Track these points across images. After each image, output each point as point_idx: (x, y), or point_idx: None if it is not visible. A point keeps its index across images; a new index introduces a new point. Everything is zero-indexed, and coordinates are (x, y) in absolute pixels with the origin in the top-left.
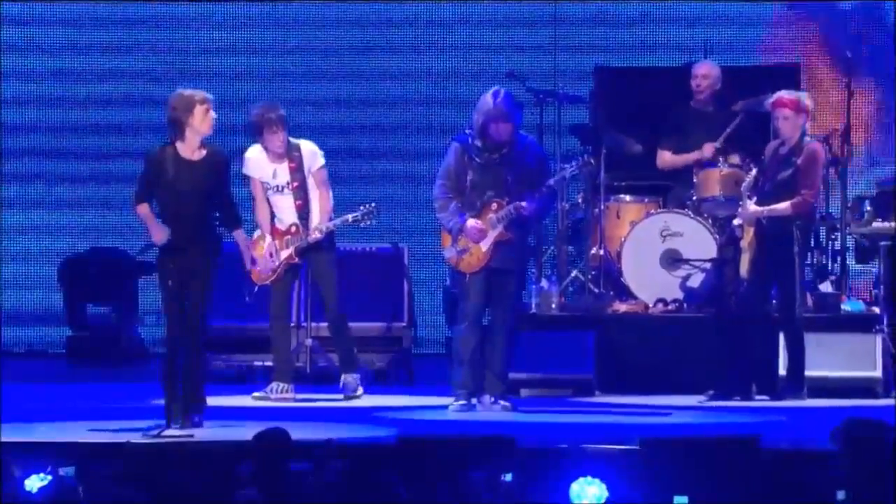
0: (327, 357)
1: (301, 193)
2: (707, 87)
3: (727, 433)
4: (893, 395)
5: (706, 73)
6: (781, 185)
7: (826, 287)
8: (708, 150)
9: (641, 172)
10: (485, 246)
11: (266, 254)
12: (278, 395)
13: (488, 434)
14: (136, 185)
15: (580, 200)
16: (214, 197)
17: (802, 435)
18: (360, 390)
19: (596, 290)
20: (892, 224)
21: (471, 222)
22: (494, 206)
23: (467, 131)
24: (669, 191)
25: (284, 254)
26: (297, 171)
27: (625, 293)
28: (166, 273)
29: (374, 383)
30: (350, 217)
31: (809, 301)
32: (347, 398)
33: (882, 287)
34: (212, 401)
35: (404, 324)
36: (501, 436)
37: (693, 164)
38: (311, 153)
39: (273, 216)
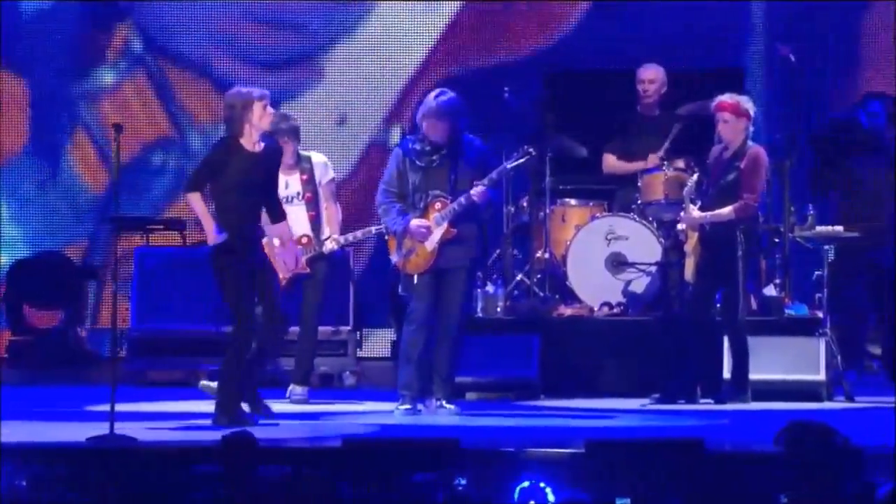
0: (274, 362)
1: (314, 205)
2: (654, 92)
3: (671, 436)
4: (839, 398)
5: (653, 77)
6: (725, 189)
7: (770, 290)
8: (652, 160)
9: (587, 176)
10: (430, 246)
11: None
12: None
13: (433, 437)
14: (191, 174)
15: (525, 204)
16: (269, 189)
17: (746, 438)
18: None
19: (541, 294)
20: (836, 227)
21: (414, 222)
22: (438, 204)
23: (409, 136)
24: (615, 194)
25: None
26: (309, 182)
27: (570, 297)
28: (233, 270)
29: (320, 387)
30: (360, 234)
31: (754, 304)
32: (293, 403)
33: (825, 290)
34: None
35: (349, 328)
36: (446, 439)
37: (605, 166)
38: (322, 165)
39: None
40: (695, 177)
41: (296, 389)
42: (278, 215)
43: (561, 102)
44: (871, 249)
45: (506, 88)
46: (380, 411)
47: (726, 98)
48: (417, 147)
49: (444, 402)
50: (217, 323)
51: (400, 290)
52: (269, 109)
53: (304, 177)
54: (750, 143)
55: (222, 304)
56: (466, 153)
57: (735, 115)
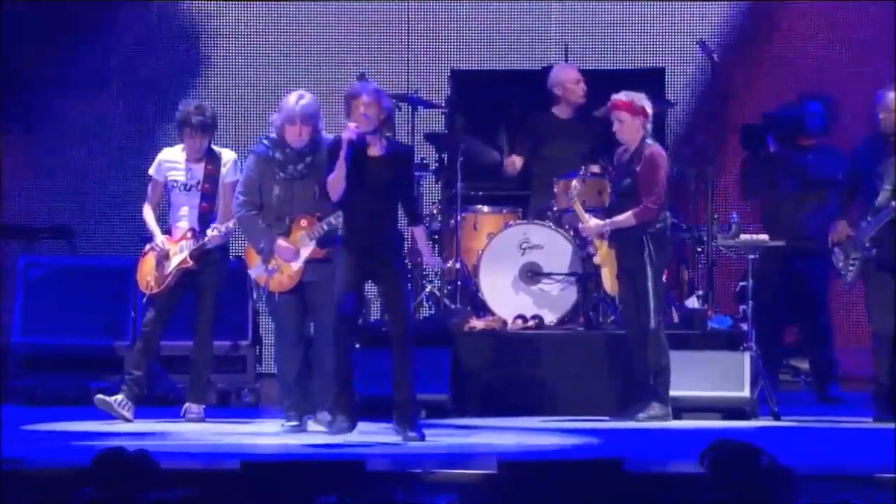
0: (169, 379)
1: (209, 197)
2: (584, 94)
3: (589, 456)
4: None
5: (579, 77)
6: (624, 194)
7: (693, 303)
8: (518, 162)
9: (500, 182)
10: (296, 265)
11: (156, 262)
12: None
13: (337, 458)
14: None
15: (435, 211)
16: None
17: (667, 457)
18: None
19: (452, 306)
20: (761, 236)
21: (282, 243)
22: (304, 222)
23: (265, 142)
24: (529, 201)
25: (177, 259)
26: (212, 175)
27: (482, 309)
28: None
29: (217, 405)
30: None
31: (675, 317)
32: (189, 421)
33: (750, 303)
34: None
35: (248, 342)
36: (350, 460)
37: (508, 167)
38: (231, 164)
39: (169, 227)
40: (574, 184)
41: (191, 408)
42: None
43: (470, 104)
44: (791, 258)
45: (414, 90)
46: (281, 431)
47: (621, 97)
48: (279, 156)
49: (334, 418)
50: (109, 337)
51: (259, 304)
52: (363, 108)
53: (210, 167)
54: (648, 142)
55: (115, 317)
56: (328, 160)
57: (631, 113)
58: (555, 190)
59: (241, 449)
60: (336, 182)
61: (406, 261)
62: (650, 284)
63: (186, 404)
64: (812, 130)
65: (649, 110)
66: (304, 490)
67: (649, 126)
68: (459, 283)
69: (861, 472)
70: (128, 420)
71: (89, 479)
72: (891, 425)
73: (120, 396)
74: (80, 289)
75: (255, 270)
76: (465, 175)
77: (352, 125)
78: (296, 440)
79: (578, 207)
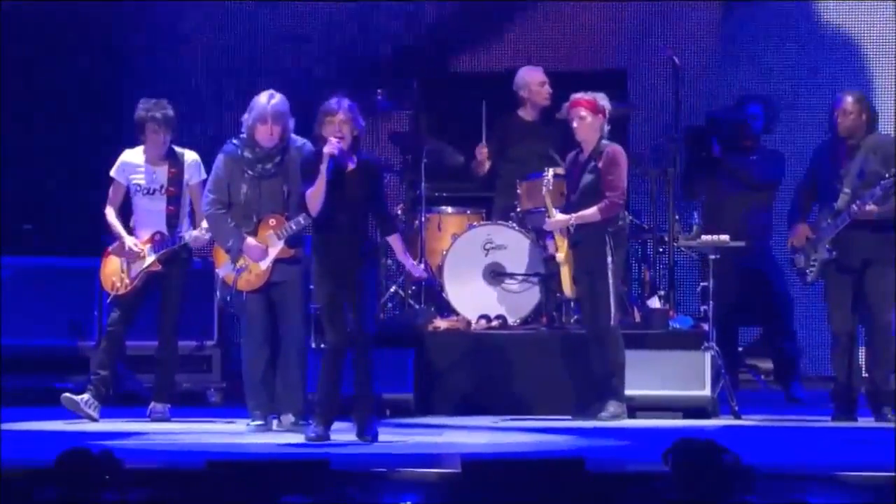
0: (135, 379)
1: (175, 200)
2: (548, 96)
3: (551, 455)
4: (725, 415)
5: (544, 79)
6: (586, 191)
7: (654, 303)
8: (486, 162)
9: (464, 183)
10: (264, 264)
11: (124, 263)
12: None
13: (302, 458)
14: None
15: (400, 212)
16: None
17: (629, 457)
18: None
19: (416, 307)
20: (722, 236)
21: (251, 242)
22: (273, 221)
23: (234, 141)
24: (493, 202)
25: (146, 262)
26: (176, 178)
27: (446, 309)
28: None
29: (183, 404)
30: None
31: (637, 317)
32: (154, 421)
33: (711, 303)
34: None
35: (214, 342)
36: (315, 459)
37: (478, 156)
38: (195, 165)
39: (131, 228)
40: (549, 176)
41: (157, 407)
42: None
43: (435, 107)
44: (745, 258)
45: (379, 91)
46: (246, 431)
47: (581, 95)
48: (248, 154)
49: (298, 419)
50: (74, 337)
51: (224, 303)
52: (337, 125)
53: (173, 171)
54: (605, 141)
55: (79, 318)
56: (297, 160)
57: (592, 112)
58: (518, 191)
59: (207, 448)
60: (315, 196)
61: (377, 270)
62: (610, 282)
63: (152, 404)
64: (754, 132)
65: (608, 109)
66: (269, 489)
67: (607, 127)
68: (424, 283)
69: (820, 472)
70: (94, 419)
71: (53, 478)
72: (850, 424)
73: (86, 396)
74: (44, 290)
75: (223, 269)
76: (429, 176)
77: (333, 140)
78: (261, 440)
79: (548, 200)
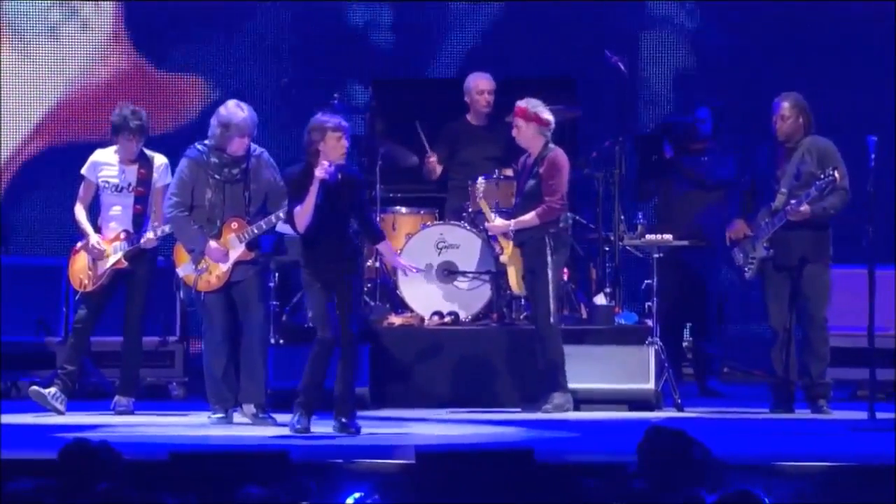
0: (99, 374)
1: (142, 200)
2: (488, 104)
3: (502, 446)
4: (667, 406)
5: (491, 87)
6: (528, 196)
7: (600, 299)
8: (437, 167)
9: (417, 185)
10: (225, 266)
11: (90, 261)
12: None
13: (261, 449)
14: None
15: None
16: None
17: (577, 448)
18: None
19: (371, 303)
20: (665, 236)
21: (213, 245)
22: (235, 224)
23: (199, 147)
24: (445, 203)
25: (112, 260)
26: (145, 179)
27: (400, 306)
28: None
29: (147, 398)
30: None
31: (584, 313)
32: (119, 414)
33: (655, 299)
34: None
35: (177, 338)
36: (274, 451)
37: (428, 164)
38: (163, 168)
39: (98, 227)
40: (480, 182)
41: (121, 400)
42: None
43: (390, 110)
44: (695, 256)
45: (335, 95)
46: (208, 423)
47: (519, 103)
48: (215, 160)
49: (259, 412)
50: (41, 333)
51: (186, 303)
52: (343, 142)
53: (142, 171)
54: (551, 146)
55: (46, 314)
56: (261, 170)
57: (524, 119)
58: (469, 192)
59: (170, 440)
60: (303, 215)
61: (361, 271)
62: (550, 282)
63: (116, 397)
64: (702, 135)
65: (546, 117)
66: (229, 480)
67: (548, 132)
68: (379, 281)
69: (761, 461)
70: (60, 412)
71: (21, 469)
72: (788, 416)
73: (53, 389)
74: (11, 287)
75: (184, 269)
76: (384, 177)
77: (325, 164)
78: (222, 431)
79: (485, 206)
